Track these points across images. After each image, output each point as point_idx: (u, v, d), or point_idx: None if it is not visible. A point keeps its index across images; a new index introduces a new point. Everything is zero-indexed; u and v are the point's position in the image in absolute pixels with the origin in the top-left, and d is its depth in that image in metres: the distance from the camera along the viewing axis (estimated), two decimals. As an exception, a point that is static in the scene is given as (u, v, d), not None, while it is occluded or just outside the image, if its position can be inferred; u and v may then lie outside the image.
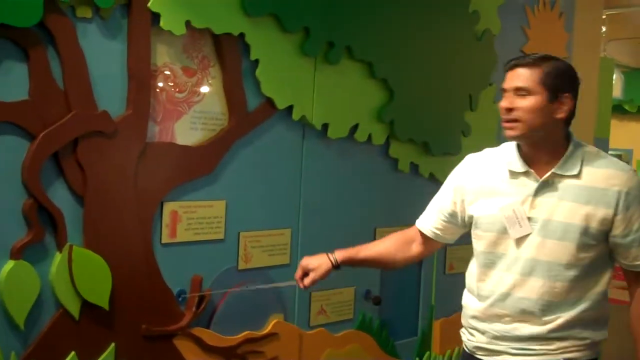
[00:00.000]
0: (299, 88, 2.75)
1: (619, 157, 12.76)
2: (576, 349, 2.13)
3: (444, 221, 2.33)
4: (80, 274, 2.17)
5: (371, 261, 2.44)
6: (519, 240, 2.10)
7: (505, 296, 2.14)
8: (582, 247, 2.06)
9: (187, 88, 2.46)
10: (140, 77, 2.29)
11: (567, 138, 2.12)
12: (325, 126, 2.88)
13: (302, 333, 2.87)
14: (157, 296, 2.39)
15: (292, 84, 2.72)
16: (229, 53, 2.52)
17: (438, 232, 2.36)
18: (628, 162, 12.55)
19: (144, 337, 2.36)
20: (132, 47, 2.27)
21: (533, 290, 2.10)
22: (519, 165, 2.12)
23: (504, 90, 2.11)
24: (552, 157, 2.08)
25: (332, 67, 2.86)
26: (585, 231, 2.05)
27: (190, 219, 2.48)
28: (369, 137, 3.06)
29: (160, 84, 2.38)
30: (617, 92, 11.27)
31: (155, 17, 2.30)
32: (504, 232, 2.12)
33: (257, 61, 2.60)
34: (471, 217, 2.24)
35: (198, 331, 2.50)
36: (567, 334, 2.11)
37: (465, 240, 3.65)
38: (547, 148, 2.08)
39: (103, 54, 2.22)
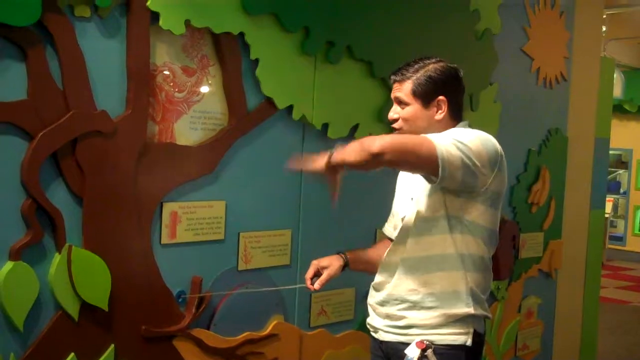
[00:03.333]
0: (299, 88, 2.74)
1: (619, 156, 12.79)
2: None
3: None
4: (80, 275, 2.16)
5: (374, 263, 2.47)
6: (403, 218, 2.32)
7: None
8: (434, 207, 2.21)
9: (186, 88, 2.45)
10: (140, 77, 2.28)
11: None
12: (325, 126, 2.86)
13: (303, 334, 2.85)
14: (156, 297, 2.37)
15: (292, 84, 2.71)
16: (229, 52, 2.51)
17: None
18: (628, 162, 12.57)
19: (143, 338, 2.34)
20: (131, 46, 2.26)
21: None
22: None
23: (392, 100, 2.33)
24: None
25: (333, 66, 2.85)
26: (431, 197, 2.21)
27: (190, 220, 2.47)
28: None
29: (160, 84, 2.37)
30: (617, 91, 11.26)
31: (155, 16, 2.28)
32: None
33: (257, 60, 2.59)
34: None
35: (198, 332, 2.49)
36: None
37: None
38: None
39: (102, 54, 2.21)
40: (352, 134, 2.97)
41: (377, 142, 1.98)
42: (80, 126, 2.15)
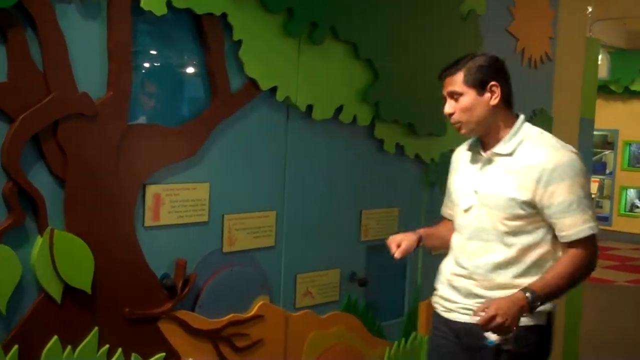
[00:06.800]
0: (282, 69, 2.72)
1: (605, 137, 12.85)
2: None
3: (451, 202, 2.64)
4: (62, 257, 2.15)
5: (447, 240, 2.63)
6: (467, 210, 2.46)
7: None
8: (511, 216, 2.36)
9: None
10: (121, 58, 2.25)
11: (514, 120, 2.45)
12: (309, 107, 2.85)
13: (288, 315, 2.86)
14: (140, 279, 2.37)
15: (276, 65, 2.70)
16: (211, 34, 2.49)
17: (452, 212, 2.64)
18: (613, 143, 12.63)
19: (127, 320, 2.34)
20: (112, 27, 2.23)
21: (473, 253, 2.45)
22: (475, 148, 2.51)
23: (443, 98, 2.47)
24: (498, 140, 2.43)
25: (317, 47, 2.83)
26: (511, 201, 2.35)
27: (174, 202, 2.45)
28: (354, 118, 3.04)
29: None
30: (603, 72, 11.29)
31: (136, -3, 2.26)
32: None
33: (239, 42, 2.57)
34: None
35: (182, 314, 2.48)
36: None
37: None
38: (493, 132, 2.44)
39: (83, 35, 2.19)
40: (336, 115, 2.97)
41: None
42: (62, 109, 2.13)
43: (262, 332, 2.74)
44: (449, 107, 2.43)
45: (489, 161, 2.44)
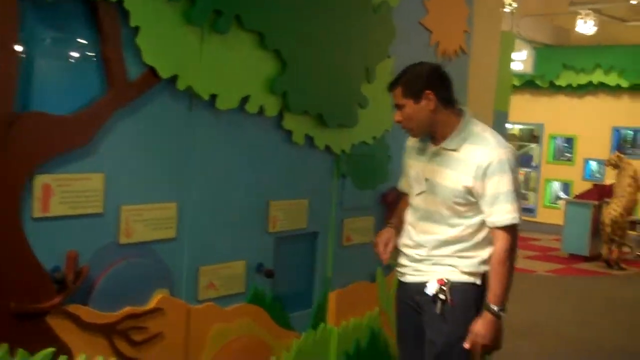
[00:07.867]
0: (184, 57, 2.66)
1: (531, 131, 13.13)
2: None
3: (407, 179, 3.03)
4: (-60, 250, 2.06)
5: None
6: (419, 194, 2.88)
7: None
8: (454, 203, 2.77)
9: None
10: (6, 44, 2.16)
11: (458, 117, 2.80)
12: (213, 97, 2.80)
13: (190, 308, 2.80)
14: (27, 273, 2.28)
15: (177, 53, 2.63)
16: (107, 19, 2.41)
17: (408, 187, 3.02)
18: (539, 137, 12.93)
19: (13, 315, 2.25)
20: (-4, 11, 2.14)
21: (423, 230, 2.88)
22: (426, 141, 2.89)
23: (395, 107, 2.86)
24: (444, 137, 2.81)
25: (221, 36, 2.78)
26: (454, 192, 2.76)
27: (65, 192, 2.37)
28: (261, 108, 3.00)
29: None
30: (528, 67, 11.54)
31: (22, -20, 2.18)
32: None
33: (137, 28, 2.50)
34: None
35: (74, 308, 2.40)
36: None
37: (362, 212, 3.66)
38: (439, 130, 2.81)
39: (-35, 18, 2.10)
40: (242, 105, 2.92)
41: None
42: (-60, 94, 2.04)
43: (162, 326, 2.68)
44: (397, 116, 2.82)
45: (437, 154, 2.82)
